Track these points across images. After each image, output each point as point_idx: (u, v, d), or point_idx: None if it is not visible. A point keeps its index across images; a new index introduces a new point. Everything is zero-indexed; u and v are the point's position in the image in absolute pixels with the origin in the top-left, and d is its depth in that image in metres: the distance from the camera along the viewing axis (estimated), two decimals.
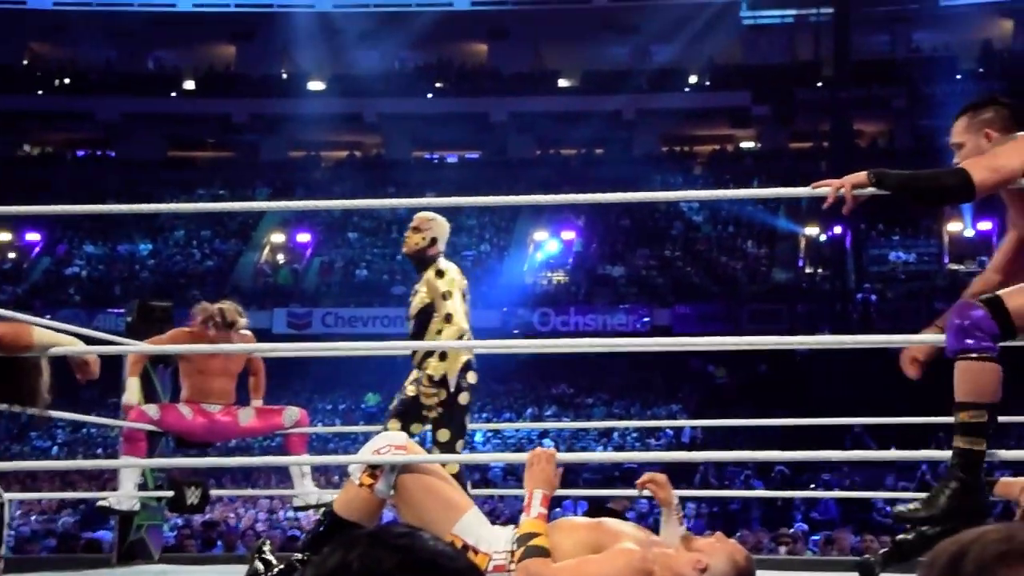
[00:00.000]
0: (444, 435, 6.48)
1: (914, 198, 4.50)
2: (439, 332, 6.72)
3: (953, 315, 4.06)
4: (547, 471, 4.27)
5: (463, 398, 6.52)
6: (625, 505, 11.18)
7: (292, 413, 7.27)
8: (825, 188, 4.14)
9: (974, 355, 3.97)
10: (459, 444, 6.53)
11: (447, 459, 5.85)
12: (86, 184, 30.94)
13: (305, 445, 7.37)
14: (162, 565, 7.20)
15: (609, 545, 4.04)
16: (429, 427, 6.61)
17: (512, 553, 4.08)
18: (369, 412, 26.95)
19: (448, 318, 6.64)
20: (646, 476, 4.57)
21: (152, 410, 6.96)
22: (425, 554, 1.19)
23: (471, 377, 6.59)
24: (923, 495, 4.17)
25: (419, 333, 6.76)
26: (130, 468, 6.92)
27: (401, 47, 37.26)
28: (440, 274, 6.70)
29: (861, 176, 4.13)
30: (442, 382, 6.45)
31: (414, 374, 6.69)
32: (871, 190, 4.10)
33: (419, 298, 6.77)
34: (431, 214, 6.87)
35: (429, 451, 6.26)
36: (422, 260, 6.80)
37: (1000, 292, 4.11)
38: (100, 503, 7.15)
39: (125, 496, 6.91)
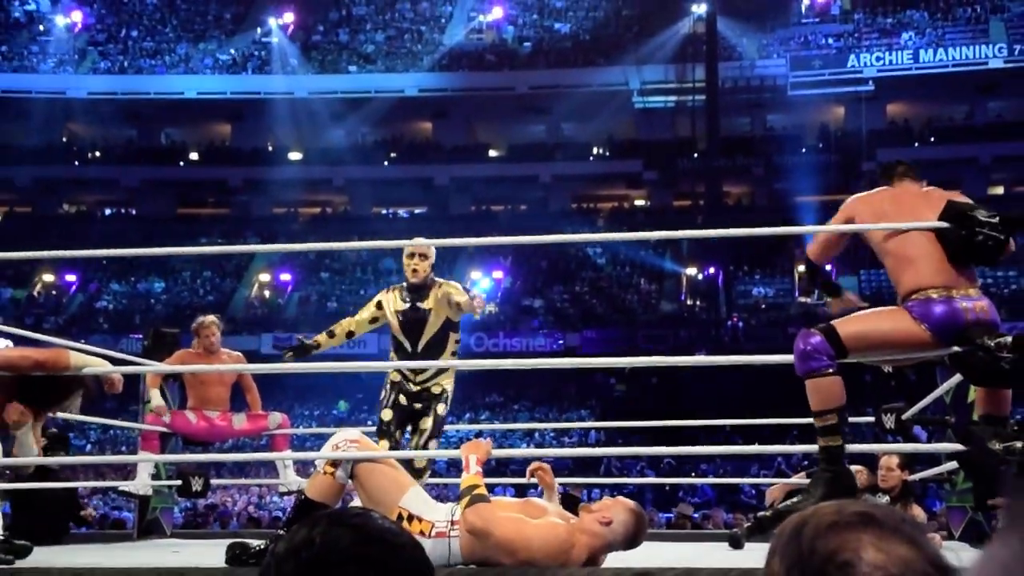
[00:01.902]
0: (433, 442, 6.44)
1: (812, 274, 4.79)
2: (457, 342, 6.57)
3: (797, 342, 4.12)
4: (481, 448, 4.32)
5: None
6: (580, 491, 11.17)
7: (276, 418, 7.36)
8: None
9: (818, 373, 4.03)
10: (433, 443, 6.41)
11: (394, 455, 5.82)
12: (113, 235, 30.55)
13: (288, 443, 7.45)
14: (173, 539, 7.16)
15: (537, 516, 4.06)
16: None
17: (451, 523, 4.07)
18: (340, 417, 26.80)
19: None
20: (534, 465, 4.59)
21: (165, 415, 7.03)
22: (375, 531, 1.19)
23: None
24: (781, 480, 4.21)
25: (441, 345, 6.46)
26: (145, 461, 6.97)
27: (363, 125, 37.24)
28: (450, 290, 6.41)
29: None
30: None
31: (435, 388, 6.43)
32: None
33: (436, 315, 6.42)
34: (425, 240, 6.52)
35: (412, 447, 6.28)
36: (428, 283, 6.48)
37: (834, 321, 4.19)
38: (121, 488, 7.21)
39: (141, 484, 6.98)
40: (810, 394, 4.10)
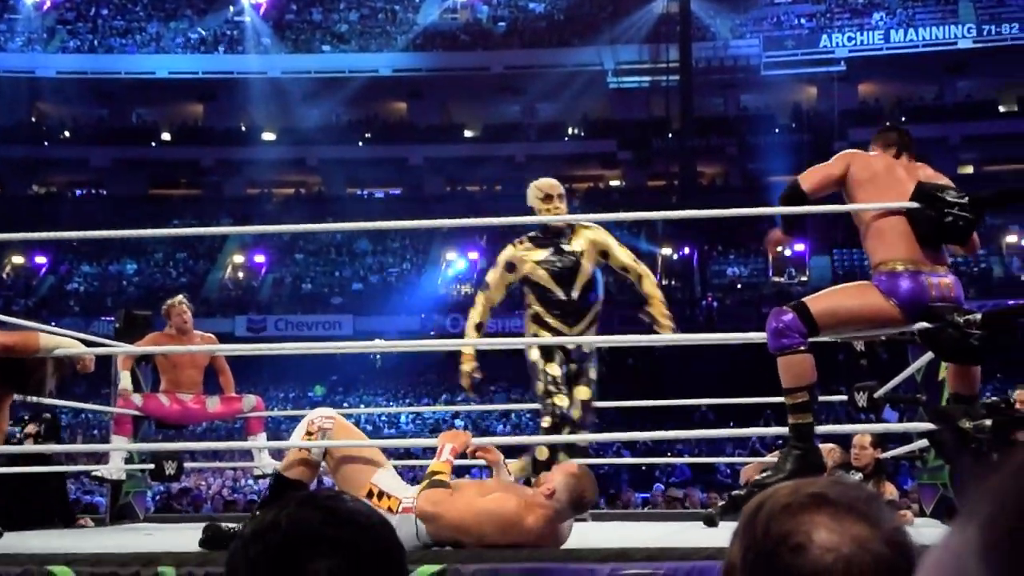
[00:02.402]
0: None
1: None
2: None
3: (769, 320, 4.14)
4: (461, 438, 4.36)
5: None
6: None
7: (250, 400, 7.31)
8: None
9: (790, 350, 4.04)
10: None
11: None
12: (83, 217, 30.32)
13: (262, 426, 7.41)
14: (146, 523, 7.11)
15: (486, 493, 4.12)
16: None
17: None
18: (315, 400, 26.76)
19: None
20: (472, 447, 4.60)
21: (137, 398, 6.99)
22: (344, 512, 1.18)
23: None
24: (755, 459, 4.23)
25: (594, 290, 5.94)
26: (118, 449, 6.92)
27: (337, 105, 37.07)
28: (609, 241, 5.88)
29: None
30: None
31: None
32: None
33: (587, 258, 5.88)
34: (547, 181, 5.91)
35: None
36: (565, 226, 5.84)
37: (804, 298, 4.22)
38: (95, 473, 7.15)
39: (115, 468, 6.92)
40: (781, 372, 4.13)
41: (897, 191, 4.31)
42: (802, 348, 4.06)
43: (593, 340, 6.22)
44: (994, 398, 4.61)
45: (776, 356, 4.12)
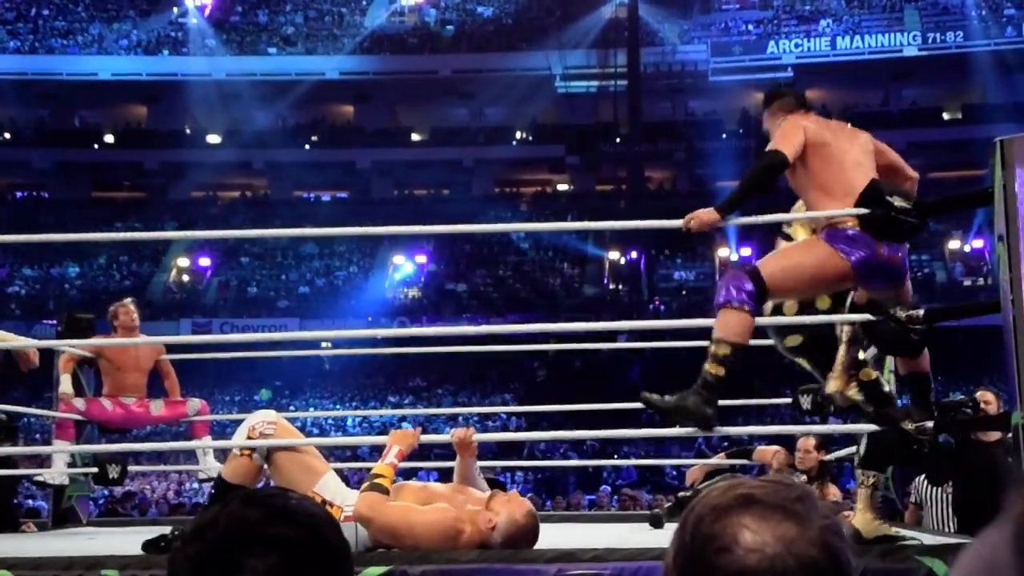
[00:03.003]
0: None
1: (750, 193, 4.30)
2: None
3: (728, 277, 4.16)
4: (409, 438, 4.34)
5: None
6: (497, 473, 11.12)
7: (194, 404, 7.22)
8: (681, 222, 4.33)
9: (734, 305, 4.06)
10: None
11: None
12: (25, 219, 29.96)
13: (207, 430, 7.33)
14: (90, 528, 7.04)
15: (430, 502, 4.10)
16: None
17: None
18: (261, 404, 26.58)
19: None
20: (457, 437, 4.54)
21: (79, 403, 6.91)
22: (286, 509, 1.17)
23: None
24: (701, 461, 4.26)
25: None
26: (60, 450, 6.82)
27: (283, 108, 36.85)
28: None
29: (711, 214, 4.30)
30: None
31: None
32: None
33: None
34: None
35: None
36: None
37: (757, 261, 4.24)
38: (37, 478, 7.05)
39: (57, 472, 6.83)
40: (717, 321, 4.11)
41: (858, 146, 4.32)
42: (746, 308, 4.06)
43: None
44: (960, 397, 4.66)
45: (718, 309, 4.13)
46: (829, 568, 0.95)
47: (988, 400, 5.74)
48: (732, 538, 0.96)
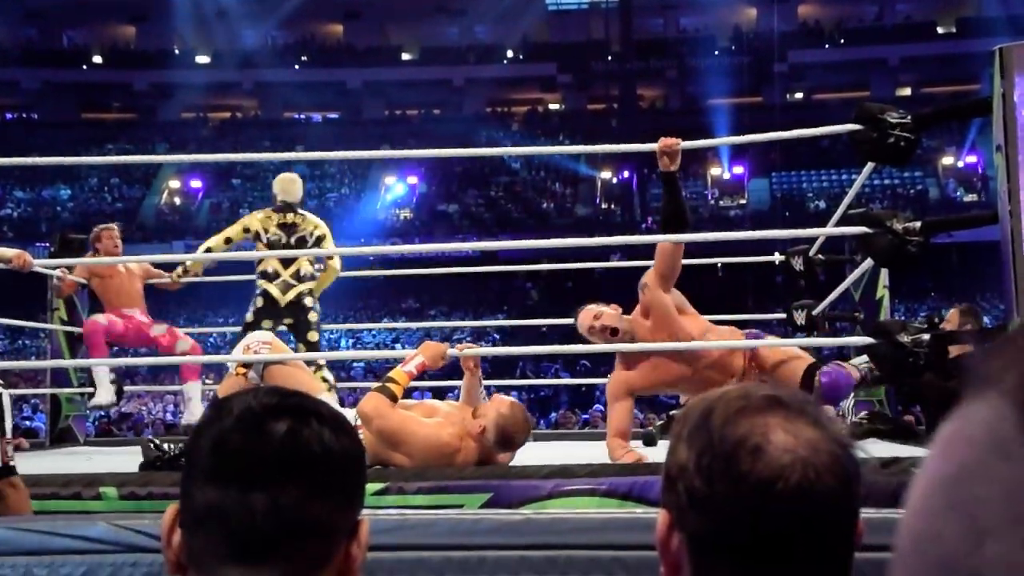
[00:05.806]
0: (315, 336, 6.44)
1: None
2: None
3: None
4: (437, 352, 4.27)
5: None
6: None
7: (185, 344, 6.97)
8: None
9: None
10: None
11: (305, 356, 5.82)
12: (14, 142, 29.74)
13: (197, 374, 7.08)
14: (86, 447, 7.06)
15: (430, 417, 4.10)
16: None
17: (356, 427, 4.08)
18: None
19: None
20: (463, 356, 4.55)
21: (102, 318, 6.71)
22: (296, 392, 1.16)
23: None
24: None
25: None
26: (103, 370, 6.67)
27: (272, 27, 36.50)
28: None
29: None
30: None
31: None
32: None
33: None
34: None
35: (296, 349, 6.23)
36: None
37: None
38: (93, 403, 6.82)
39: (107, 393, 6.67)
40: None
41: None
42: None
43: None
44: (928, 315, 4.67)
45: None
46: (852, 469, 0.98)
47: (950, 319, 5.74)
48: (764, 438, 0.97)
